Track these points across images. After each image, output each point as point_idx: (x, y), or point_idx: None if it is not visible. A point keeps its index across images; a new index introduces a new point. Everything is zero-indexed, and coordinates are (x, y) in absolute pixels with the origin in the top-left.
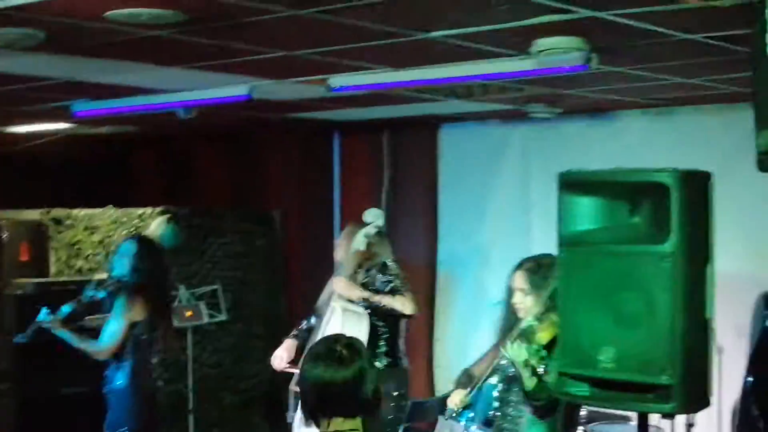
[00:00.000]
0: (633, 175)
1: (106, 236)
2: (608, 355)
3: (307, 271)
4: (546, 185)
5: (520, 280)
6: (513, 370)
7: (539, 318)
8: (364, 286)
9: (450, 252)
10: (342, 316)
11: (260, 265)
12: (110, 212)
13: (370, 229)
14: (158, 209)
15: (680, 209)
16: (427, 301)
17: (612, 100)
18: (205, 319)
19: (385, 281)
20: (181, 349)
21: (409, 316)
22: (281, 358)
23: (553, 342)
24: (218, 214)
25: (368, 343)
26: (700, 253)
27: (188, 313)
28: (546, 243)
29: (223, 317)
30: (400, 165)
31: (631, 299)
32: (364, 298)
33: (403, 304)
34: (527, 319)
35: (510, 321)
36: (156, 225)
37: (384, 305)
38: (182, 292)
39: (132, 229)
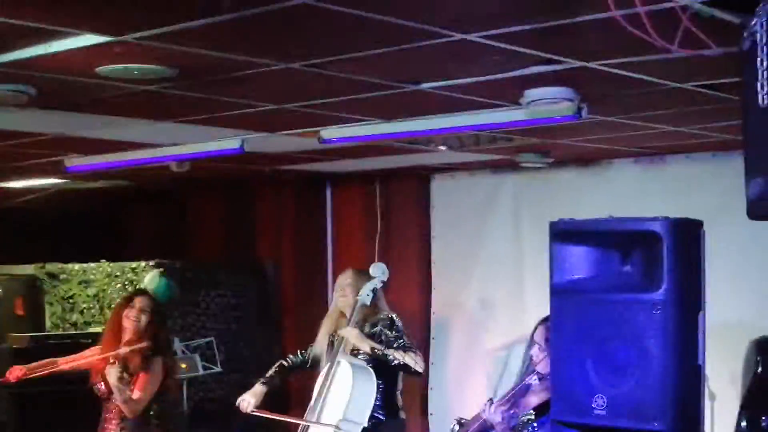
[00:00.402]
0: (624, 223)
1: (100, 290)
2: (601, 403)
3: (301, 320)
4: (538, 234)
5: (539, 335)
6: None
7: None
8: (372, 339)
9: (443, 301)
10: (352, 372)
11: (254, 316)
12: (104, 266)
13: (377, 284)
14: (152, 263)
15: (672, 257)
16: (421, 350)
17: (603, 148)
18: (200, 371)
19: (393, 337)
20: (176, 401)
21: (419, 374)
22: (249, 402)
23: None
24: (212, 267)
25: None
26: (691, 301)
27: (183, 366)
28: (538, 291)
29: (217, 369)
30: (393, 215)
31: (623, 347)
32: (376, 351)
33: (415, 362)
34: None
35: (526, 374)
36: (150, 278)
37: (397, 360)
38: (177, 345)
39: (126, 283)
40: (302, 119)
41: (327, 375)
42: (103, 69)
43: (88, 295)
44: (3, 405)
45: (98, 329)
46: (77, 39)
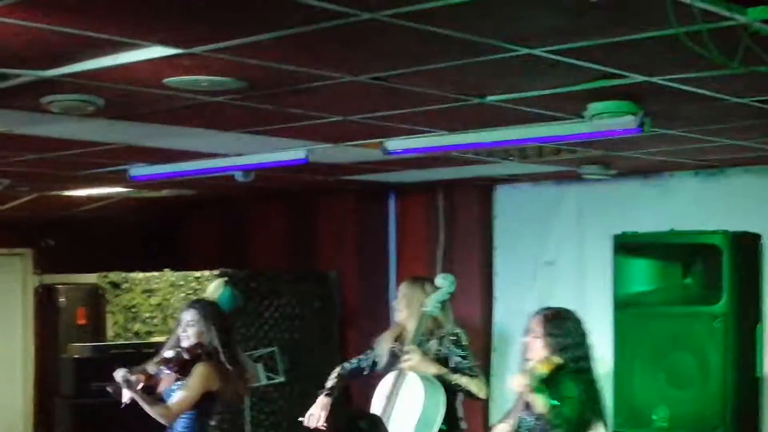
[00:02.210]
0: (686, 237)
1: (163, 299)
2: (662, 414)
3: (363, 331)
4: (600, 245)
5: (536, 322)
6: (530, 421)
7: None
8: (438, 356)
9: (505, 312)
10: (422, 386)
11: (317, 326)
12: (167, 275)
13: (445, 295)
14: (215, 272)
15: (732, 270)
16: (482, 361)
17: (664, 161)
18: (263, 381)
19: (460, 356)
20: (239, 411)
21: (479, 399)
22: (318, 417)
23: (552, 377)
24: (275, 276)
25: None
26: (751, 313)
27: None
28: (600, 302)
29: (280, 379)
30: (456, 225)
31: (683, 359)
32: (440, 376)
33: (479, 388)
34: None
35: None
36: (213, 288)
37: (461, 386)
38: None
39: (189, 292)
40: (367, 130)
41: (393, 386)
42: (171, 80)
43: (151, 305)
44: (63, 416)
45: (161, 339)
46: (146, 51)
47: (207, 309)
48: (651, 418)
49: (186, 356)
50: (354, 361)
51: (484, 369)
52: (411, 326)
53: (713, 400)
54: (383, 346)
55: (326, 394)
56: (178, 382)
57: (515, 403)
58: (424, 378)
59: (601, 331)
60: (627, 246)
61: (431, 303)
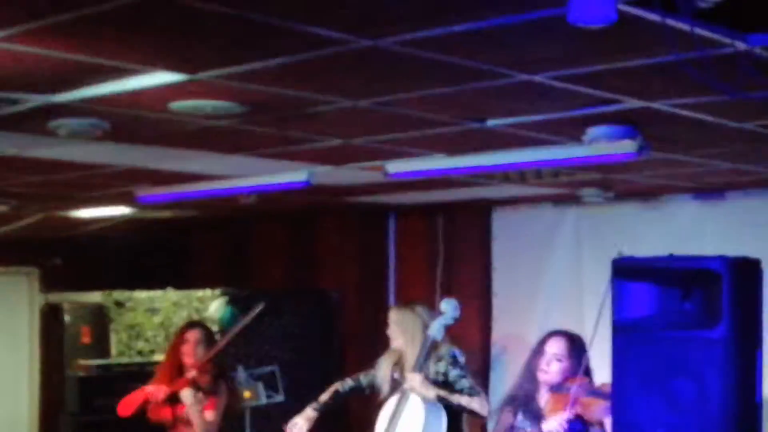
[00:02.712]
0: (685, 261)
1: (166, 318)
2: None
3: (362, 351)
4: (598, 268)
5: (557, 346)
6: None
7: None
8: (438, 378)
9: (504, 332)
10: (424, 411)
11: (317, 345)
12: (170, 294)
13: (449, 320)
14: (217, 291)
15: (731, 295)
16: (481, 383)
17: (663, 184)
18: (263, 400)
19: (458, 375)
20: (240, 429)
21: (483, 417)
22: (300, 427)
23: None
24: (276, 296)
25: None
26: (751, 339)
27: (246, 394)
28: (598, 326)
29: (280, 398)
30: (455, 247)
31: (683, 384)
32: (442, 398)
33: (481, 406)
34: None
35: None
36: (215, 307)
37: (463, 406)
38: (240, 373)
39: (192, 312)
40: (368, 153)
41: (396, 408)
42: (176, 105)
43: (154, 323)
44: None
45: (163, 357)
46: (152, 77)
47: (208, 329)
48: None
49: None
50: (355, 378)
51: (483, 390)
52: (410, 351)
53: (713, 425)
54: (383, 371)
55: (314, 408)
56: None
57: (500, 419)
58: (425, 400)
59: (600, 355)
60: (626, 270)
61: (436, 328)
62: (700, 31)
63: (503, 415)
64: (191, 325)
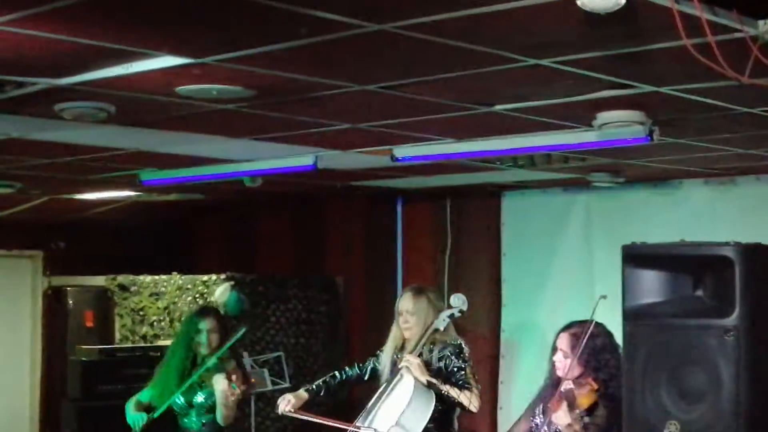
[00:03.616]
0: (696, 248)
1: (171, 302)
2: (673, 428)
3: (369, 336)
4: (609, 253)
5: (563, 342)
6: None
7: (578, 382)
8: (434, 367)
9: (513, 319)
10: (413, 390)
11: (323, 331)
12: (175, 279)
13: (456, 313)
14: (222, 276)
15: (744, 282)
16: (490, 369)
17: (673, 169)
18: (269, 386)
19: (457, 367)
20: (245, 416)
21: (470, 412)
22: (288, 401)
23: (594, 406)
24: (282, 281)
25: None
26: (764, 326)
27: (252, 380)
28: (609, 311)
29: (286, 384)
30: (463, 231)
31: (695, 372)
32: (434, 385)
33: (469, 401)
34: (565, 382)
35: (550, 378)
36: (220, 292)
37: (451, 397)
38: (246, 360)
39: (197, 296)
40: (375, 138)
41: (387, 386)
42: (182, 89)
43: (158, 308)
44: (69, 418)
45: (167, 342)
46: (157, 60)
47: (220, 314)
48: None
49: None
50: (354, 366)
51: (492, 376)
52: (416, 337)
53: (726, 413)
54: (385, 356)
55: (306, 389)
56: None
57: (530, 407)
58: (417, 382)
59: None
60: (637, 257)
61: (441, 317)
62: (709, 15)
63: (522, 420)
64: (203, 314)
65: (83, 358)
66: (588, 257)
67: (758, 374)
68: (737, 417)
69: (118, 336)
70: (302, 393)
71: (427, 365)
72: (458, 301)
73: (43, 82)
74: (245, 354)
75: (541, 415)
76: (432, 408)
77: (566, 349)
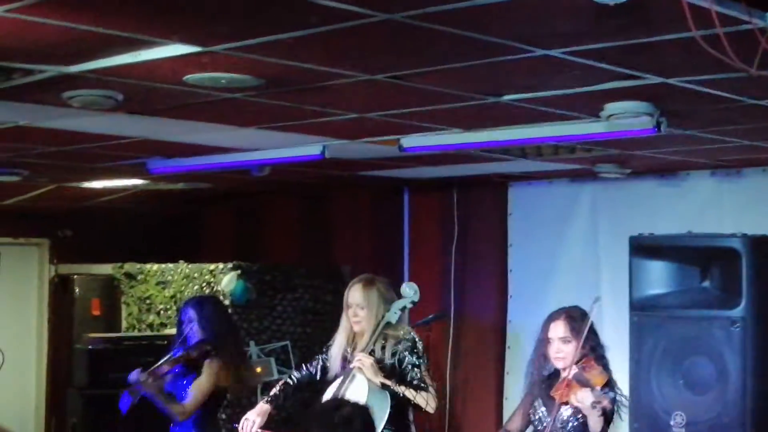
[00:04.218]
0: (703, 240)
1: (177, 291)
2: (680, 420)
3: None
4: (615, 244)
5: (561, 329)
6: (548, 421)
7: (583, 366)
8: (387, 365)
9: (520, 310)
10: (368, 393)
11: (330, 320)
12: (182, 267)
13: (408, 304)
14: (229, 265)
15: (751, 274)
16: (496, 360)
17: (680, 160)
18: (275, 375)
19: (412, 364)
20: (250, 405)
21: (427, 412)
22: (253, 422)
23: (607, 385)
24: (289, 270)
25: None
26: None
27: (258, 369)
28: (615, 302)
29: None
30: (470, 221)
31: (701, 364)
32: (388, 386)
33: (426, 402)
34: (573, 368)
35: (540, 373)
36: (227, 281)
37: (407, 398)
38: (252, 348)
39: (203, 285)
40: (383, 127)
41: (341, 384)
42: (190, 77)
43: (165, 297)
44: (75, 406)
45: (174, 331)
46: (166, 49)
47: (206, 305)
48: (668, 423)
49: (194, 353)
50: (302, 369)
51: (498, 368)
52: (367, 332)
53: (732, 405)
54: (335, 351)
55: (266, 401)
56: (188, 380)
57: (522, 403)
58: (370, 383)
59: (618, 333)
60: (643, 248)
61: (393, 310)
62: (718, 7)
63: (525, 401)
64: (187, 302)
65: (90, 347)
66: (594, 248)
67: (765, 365)
68: (743, 407)
69: (124, 324)
70: (265, 405)
71: (380, 363)
72: (410, 291)
73: (52, 70)
74: (252, 343)
75: (543, 408)
76: (388, 410)
77: (565, 334)
